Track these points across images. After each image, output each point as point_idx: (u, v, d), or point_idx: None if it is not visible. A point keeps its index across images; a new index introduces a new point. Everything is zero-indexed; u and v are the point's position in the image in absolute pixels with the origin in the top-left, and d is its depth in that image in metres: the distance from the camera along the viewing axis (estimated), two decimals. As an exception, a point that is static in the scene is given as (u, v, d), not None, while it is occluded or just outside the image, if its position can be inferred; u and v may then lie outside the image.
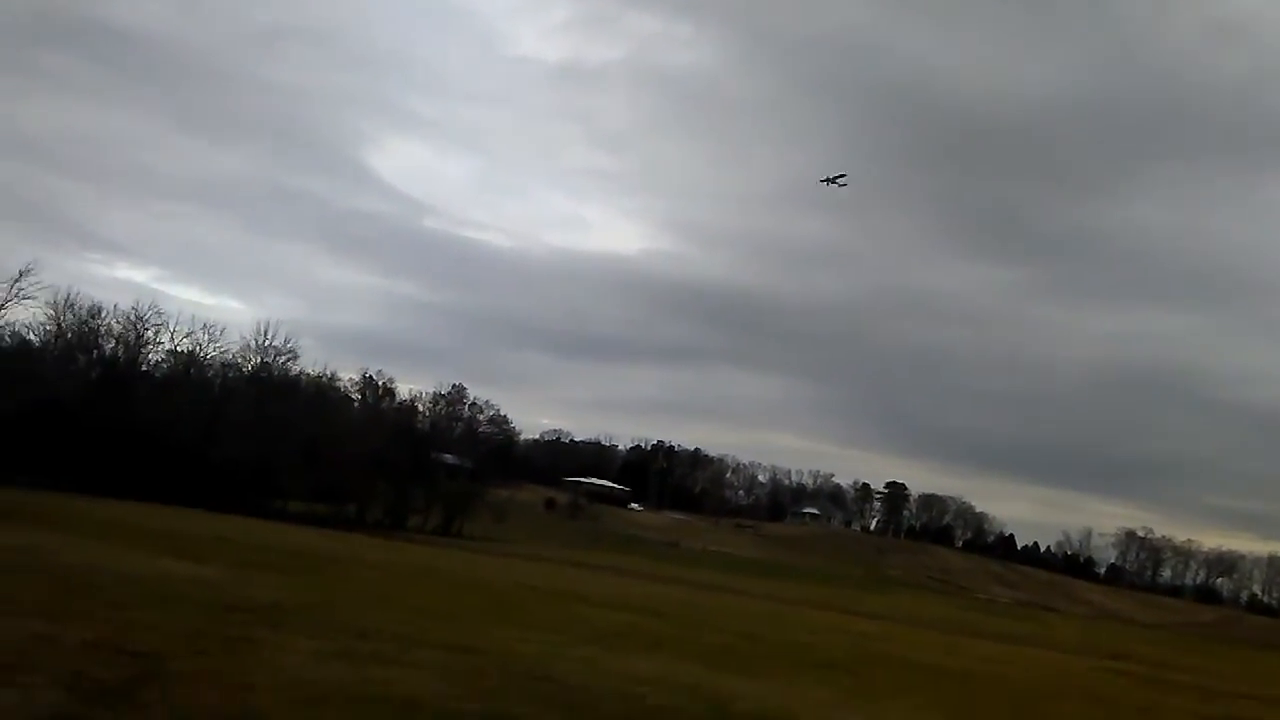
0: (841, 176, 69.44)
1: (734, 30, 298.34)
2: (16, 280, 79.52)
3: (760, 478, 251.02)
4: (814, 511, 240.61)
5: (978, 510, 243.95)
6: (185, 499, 75.97)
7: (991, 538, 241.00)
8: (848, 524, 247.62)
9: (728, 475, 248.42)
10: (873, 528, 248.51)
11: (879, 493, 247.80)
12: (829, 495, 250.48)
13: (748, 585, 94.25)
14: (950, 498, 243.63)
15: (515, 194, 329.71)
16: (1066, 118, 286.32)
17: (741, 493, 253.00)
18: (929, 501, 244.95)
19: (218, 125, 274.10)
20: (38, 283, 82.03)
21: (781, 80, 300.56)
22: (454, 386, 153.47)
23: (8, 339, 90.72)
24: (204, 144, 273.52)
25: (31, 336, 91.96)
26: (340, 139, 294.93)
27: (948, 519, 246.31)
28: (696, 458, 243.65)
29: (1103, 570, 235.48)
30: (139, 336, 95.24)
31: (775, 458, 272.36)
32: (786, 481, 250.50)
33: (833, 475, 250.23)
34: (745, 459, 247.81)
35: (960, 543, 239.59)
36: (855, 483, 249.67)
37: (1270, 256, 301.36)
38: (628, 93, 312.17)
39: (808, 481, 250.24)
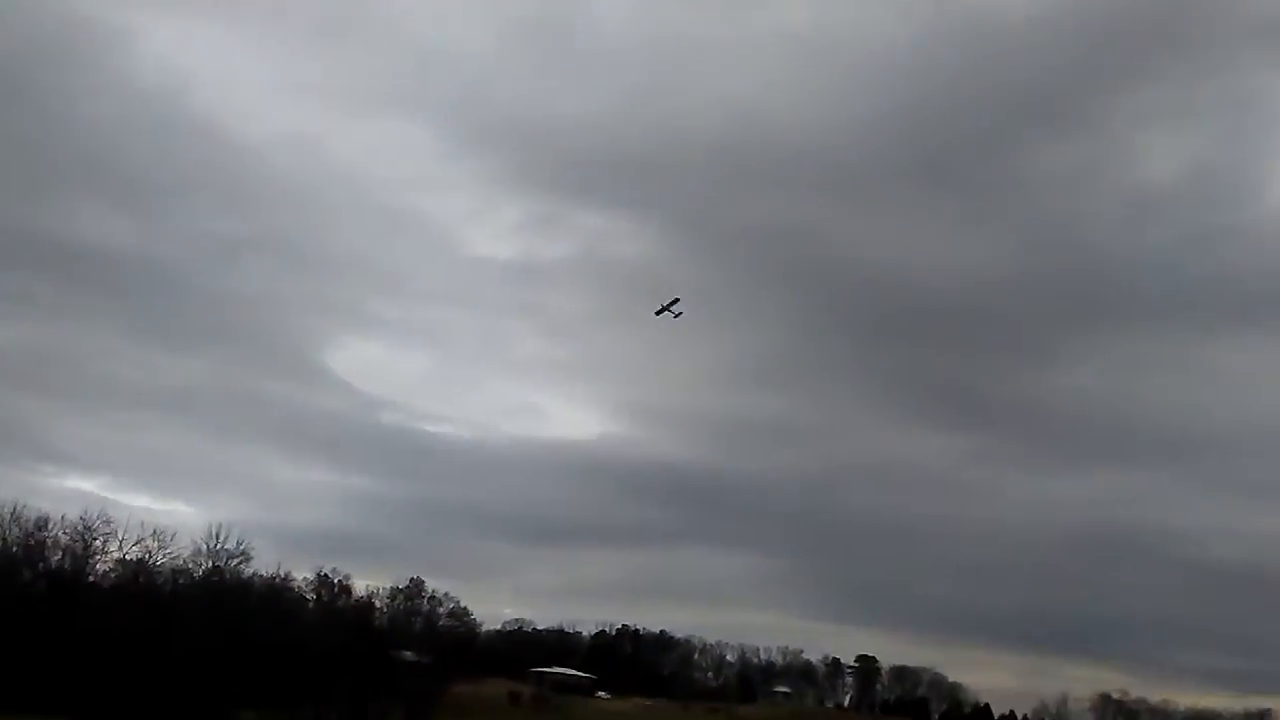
0: (675, 303, 70.79)
1: (674, 223, 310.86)
2: (-45, 497, 78.31)
3: (729, 657, 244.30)
4: (785, 690, 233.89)
5: (951, 680, 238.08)
6: (137, 713, 72.69)
7: (968, 709, 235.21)
8: (820, 702, 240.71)
9: (695, 656, 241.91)
10: (846, 704, 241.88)
11: (850, 667, 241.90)
12: (799, 672, 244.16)
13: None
14: (923, 669, 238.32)
15: (471, 386, 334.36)
16: (1007, 291, 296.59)
17: (710, 674, 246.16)
18: (901, 674, 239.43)
19: (176, 334, 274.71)
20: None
21: (722, 266, 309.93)
22: (412, 580, 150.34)
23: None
24: (162, 353, 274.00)
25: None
26: (299, 341, 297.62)
27: (921, 691, 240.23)
28: (663, 640, 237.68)
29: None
30: (86, 546, 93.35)
31: (743, 635, 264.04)
32: (755, 660, 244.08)
33: (802, 651, 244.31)
34: (712, 639, 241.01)
35: (936, 716, 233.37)
36: (825, 658, 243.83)
37: (1213, 415, 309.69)
38: (576, 285, 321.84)
39: (777, 659, 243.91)
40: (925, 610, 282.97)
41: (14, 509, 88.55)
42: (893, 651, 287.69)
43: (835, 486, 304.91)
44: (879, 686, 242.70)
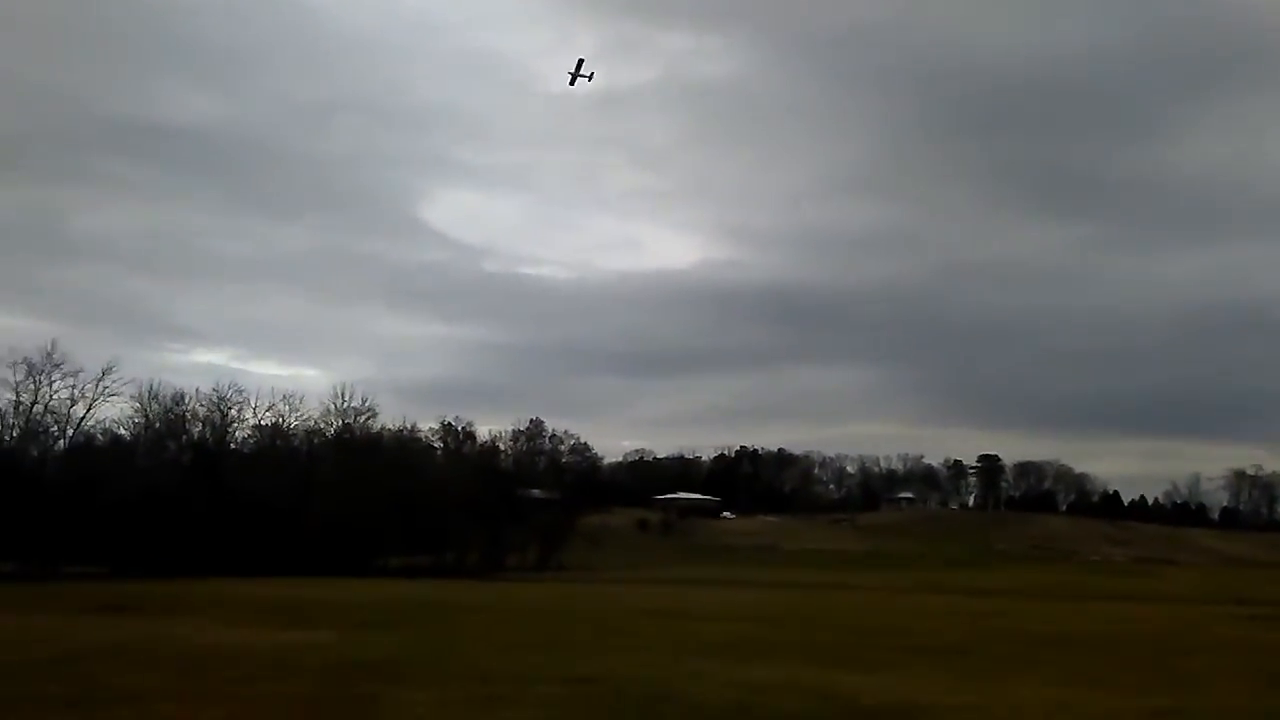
0: (581, 64, 66.31)
1: (762, 35, 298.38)
2: (100, 379, 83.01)
3: (849, 469, 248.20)
4: (909, 496, 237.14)
5: (1077, 472, 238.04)
6: (286, 568, 77.45)
7: (1096, 497, 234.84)
8: (944, 504, 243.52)
9: (815, 471, 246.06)
10: (970, 504, 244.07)
11: (972, 468, 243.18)
12: (922, 477, 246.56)
13: (851, 579, 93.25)
14: (1047, 462, 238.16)
15: (566, 226, 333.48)
16: (1111, 67, 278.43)
17: (832, 487, 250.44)
18: (1025, 470, 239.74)
19: (274, 203, 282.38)
20: (121, 378, 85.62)
21: (815, 76, 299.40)
22: (532, 421, 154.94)
23: (100, 437, 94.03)
24: (264, 222, 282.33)
25: (122, 431, 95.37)
26: (394, 198, 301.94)
27: (1047, 484, 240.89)
28: (781, 458, 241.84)
29: (1216, 515, 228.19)
30: (224, 416, 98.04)
31: (861, 447, 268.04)
32: (876, 469, 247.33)
33: (922, 457, 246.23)
34: (831, 452, 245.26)
35: (1064, 507, 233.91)
36: (947, 461, 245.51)
37: None
38: (664, 111, 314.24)
39: (898, 466, 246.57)
40: (1045, 404, 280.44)
41: (151, 387, 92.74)
42: (1015, 449, 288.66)
43: (945, 290, 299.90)
44: (1004, 484, 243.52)
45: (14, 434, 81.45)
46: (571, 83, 64.39)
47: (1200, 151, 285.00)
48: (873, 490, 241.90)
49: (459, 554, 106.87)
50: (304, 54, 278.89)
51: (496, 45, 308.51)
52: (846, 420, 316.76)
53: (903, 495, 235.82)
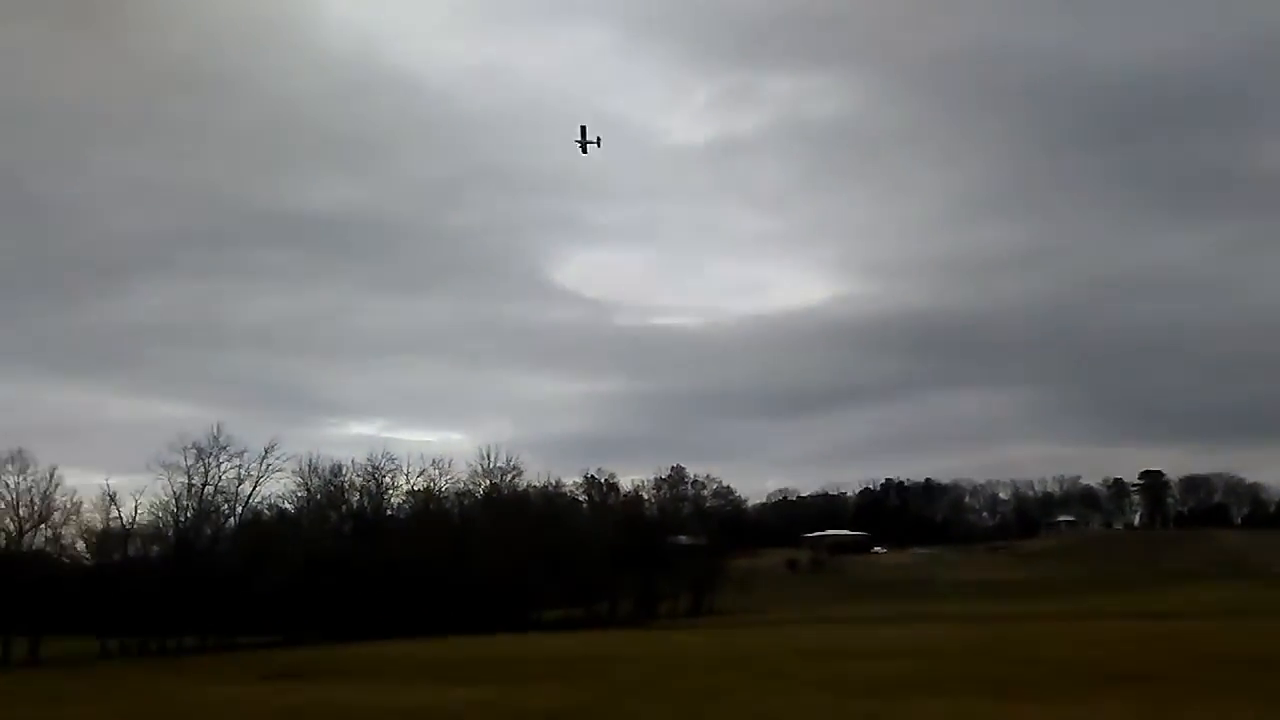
0: (584, 131, 66.45)
1: (866, 69, 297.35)
2: (263, 457, 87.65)
3: (1002, 495, 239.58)
4: (1069, 519, 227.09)
5: (1249, 482, 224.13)
6: (445, 626, 79.23)
7: (1273, 507, 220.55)
8: (1108, 525, 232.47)
9: (966, 500, 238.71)
10: (1136, 524, 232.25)
11: (1134, 485, 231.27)
12: (1080, 499, 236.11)
13: (1016, 608, 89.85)
14: (1215, 475, 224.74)
15: (692, 274, 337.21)
16: (1245, 63, 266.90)
17: (985, 515, 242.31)
18: (1192, 484, 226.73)
19: (411, 277, 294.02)
20: (282, 455, 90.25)
21: (924, 104, 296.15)
22: (673, 469, 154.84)
23: (267, 511, 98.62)
24: (403, 296, 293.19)
25: (286, 505, 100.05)
26: (524, 261, 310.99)
27: (1218, 498, 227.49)
28: (930, 488, 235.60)
29: None
30: (379, 485, 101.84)
31: (1013, 472, 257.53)
32: (1031, 494, 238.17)
33: (1079, 477, 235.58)
34: (981, 479, 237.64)
35: (1239, 520, 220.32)
36: (1106, 480, 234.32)
37: None
38: (779, 153, 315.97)
39: (1054, 489, 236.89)
40: (1207, 415, 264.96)
41: (311, 461, 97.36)
42: (1177, 463, 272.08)
43: (1086, 305, 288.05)
44: (1170, 500, 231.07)
45: (188, 515, 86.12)
46: (583, 150, 66.48)
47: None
48: (1029, 515, 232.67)
49: (611, 604, 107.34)
50: (430, 135, 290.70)
51: (613, 107, 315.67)
52: (995, 445, 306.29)
53: (1062, 519, 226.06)
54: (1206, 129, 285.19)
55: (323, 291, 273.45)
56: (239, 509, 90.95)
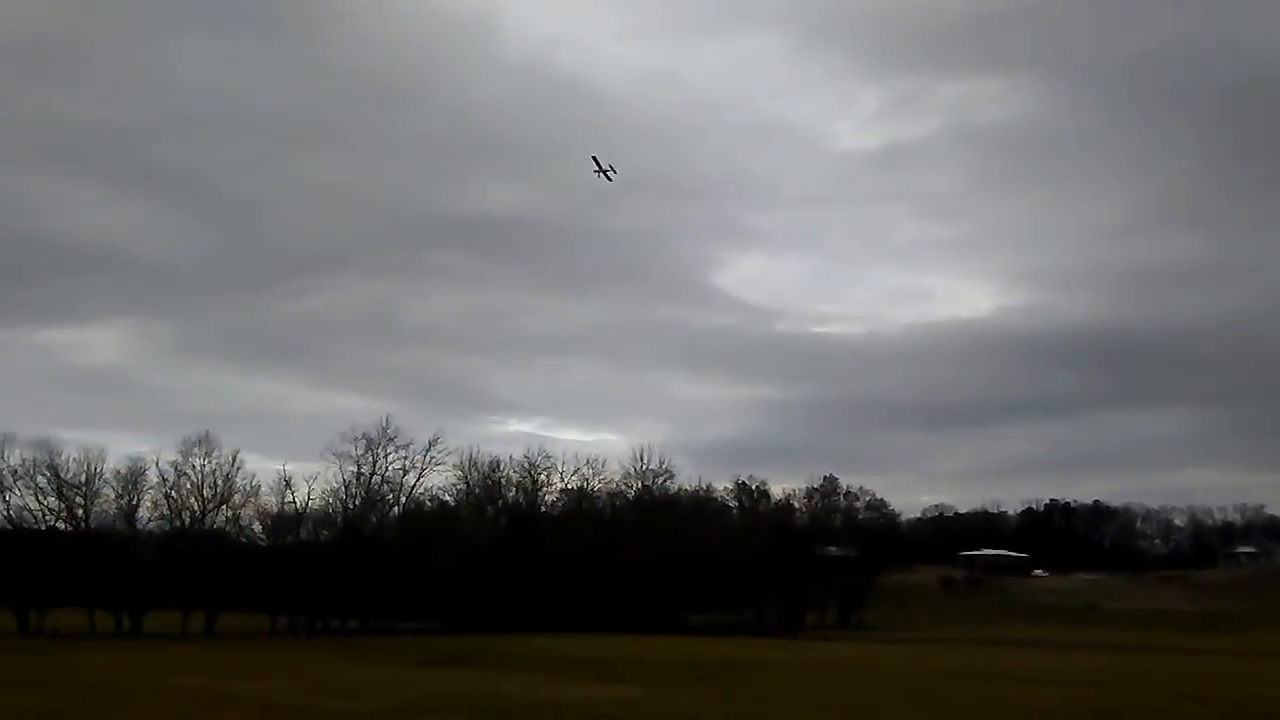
0: (595, 160, 65.01)
1: (1043, 72, 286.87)
2: (428, 450, 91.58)
3: (1177, 521, 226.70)
4: (1250, 550, 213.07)
5: None
6: (593, 624, 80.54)
7: None
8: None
9: (1138, 525, 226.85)
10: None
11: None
12: (1264, 529, 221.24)
13: (1188, 641, 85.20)
14: None
15: (855, 281, 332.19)
16: None
17: (1158, 542, 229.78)
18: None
19: (576, 281, 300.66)
20: (445, 449, 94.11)
21: (1104, 108, 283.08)
22: (825, 478, 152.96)
23: (428, 503, 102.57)
24: (566, 300, 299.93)
25: (446, 497, 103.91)
26: (685, 266, 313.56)
27: None
28: (1098, 511, 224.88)
29: None
30: (534, 482, 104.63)
31: (1189, 498, 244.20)
32: (1209, 521, 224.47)
33: (1264, 506, 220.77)
34: (1154, 504, 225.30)
35: None
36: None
37: None
38: (948, 159, 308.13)
39: (1234, 518, 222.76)
40: None
41: (471, 455, 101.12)
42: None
43: (1273, 324, 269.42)
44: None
45: (356, 502, 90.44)
46: (605, 178, 66.93)
47: None
48: (1206, 544, 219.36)
49: (758, 612, 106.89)
50: (598, 140, 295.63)
51: (779, 112, 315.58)
52: (1170, 469, 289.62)
53: (1242, 549, 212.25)
54: None
55: (489, 292, 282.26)
56: (403, 499, 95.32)
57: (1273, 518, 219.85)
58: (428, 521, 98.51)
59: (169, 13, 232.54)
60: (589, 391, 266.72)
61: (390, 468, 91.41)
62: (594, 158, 67.79)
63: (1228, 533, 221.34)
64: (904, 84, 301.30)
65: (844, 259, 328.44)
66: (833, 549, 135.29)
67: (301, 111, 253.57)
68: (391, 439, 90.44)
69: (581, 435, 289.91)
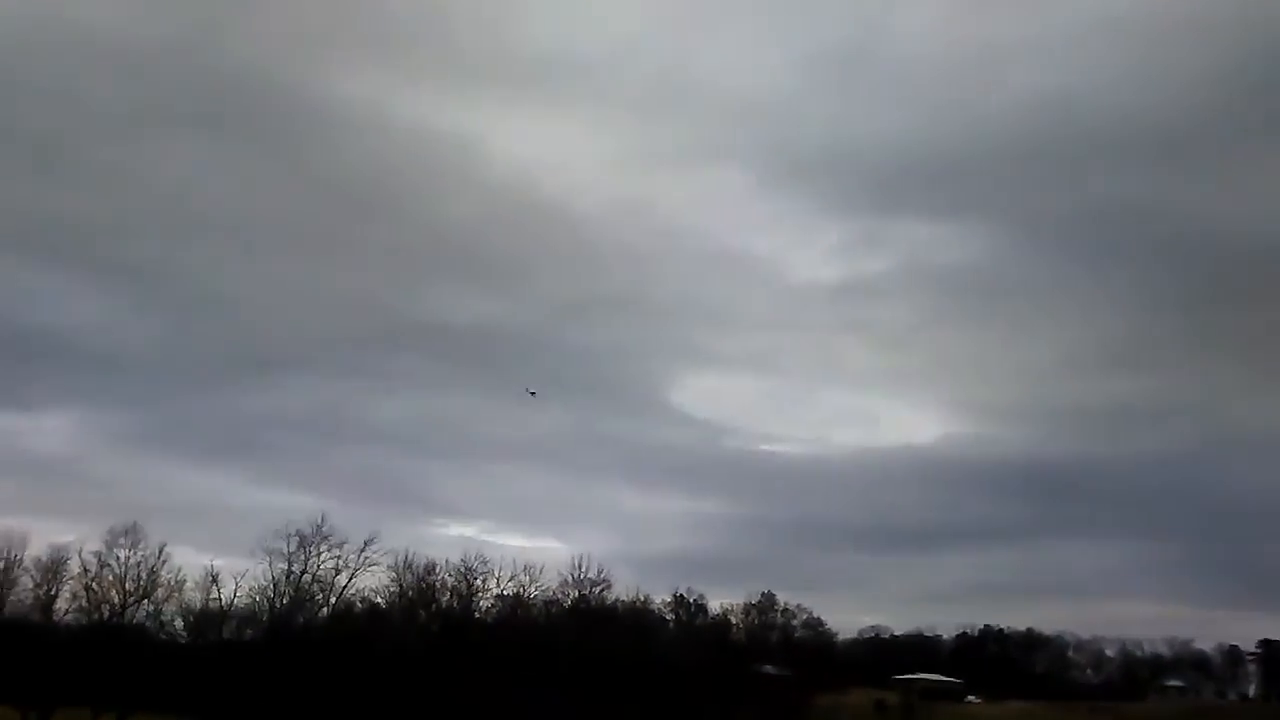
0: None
1: (998, 220, 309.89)
2: (362, 550, 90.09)
3: (1108, 652, 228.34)
4: (1179, 684, 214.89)
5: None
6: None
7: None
8: (1221, 694, 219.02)
9: (1069, 654, 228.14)
10: (1251, 694, 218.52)
11: (1251, 654, 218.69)
12: (1192, 664, 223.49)
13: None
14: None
15: (806, 404, 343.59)
16: None
17: (1089, 671, 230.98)
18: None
19: (537, 390, 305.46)
20: (380, 549, 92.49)
21: (1051, 256, 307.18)
22: (764, 594, 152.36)
23: (359, 604, 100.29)
24: (525, 409, 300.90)
25: (378, 599, 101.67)
26: (642, 383, 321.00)
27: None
28: (1031, 639, 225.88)
29: None
30: (469, 586, 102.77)
31: (1121, 629, 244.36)
32: (1138, 653, 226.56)
33: (1192, 640, 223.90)
34: (1086, 634, 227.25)
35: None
36: (1221, 646, 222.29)
37: None
38: (903, 296, 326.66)
39: (1164, 651, 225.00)
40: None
41: (406, 557, 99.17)
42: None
43: (1207, 464, 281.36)
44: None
45: (284, 601, 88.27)
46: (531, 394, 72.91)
47: None
48: (1136, 677, 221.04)
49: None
50: (570, 259, 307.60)
51: (743, 243, 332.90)
52: (1103, 600, 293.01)
53: (1172, 683, 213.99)
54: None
55: (448, 397, 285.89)
56: (333, 599, 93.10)
57: (1201, 652, 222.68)
58: (357, 623, 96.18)
59: (155, 110, 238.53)
60: (536, 498, 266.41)
61: (322, 566, 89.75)
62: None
63: (1157, 665, 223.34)
64: (864, 223, 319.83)
65: (796, 382, 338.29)
66: (768, 667, 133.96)
67: (279, 216, 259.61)
68: (326, 537, 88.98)
69: (524, 541, 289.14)
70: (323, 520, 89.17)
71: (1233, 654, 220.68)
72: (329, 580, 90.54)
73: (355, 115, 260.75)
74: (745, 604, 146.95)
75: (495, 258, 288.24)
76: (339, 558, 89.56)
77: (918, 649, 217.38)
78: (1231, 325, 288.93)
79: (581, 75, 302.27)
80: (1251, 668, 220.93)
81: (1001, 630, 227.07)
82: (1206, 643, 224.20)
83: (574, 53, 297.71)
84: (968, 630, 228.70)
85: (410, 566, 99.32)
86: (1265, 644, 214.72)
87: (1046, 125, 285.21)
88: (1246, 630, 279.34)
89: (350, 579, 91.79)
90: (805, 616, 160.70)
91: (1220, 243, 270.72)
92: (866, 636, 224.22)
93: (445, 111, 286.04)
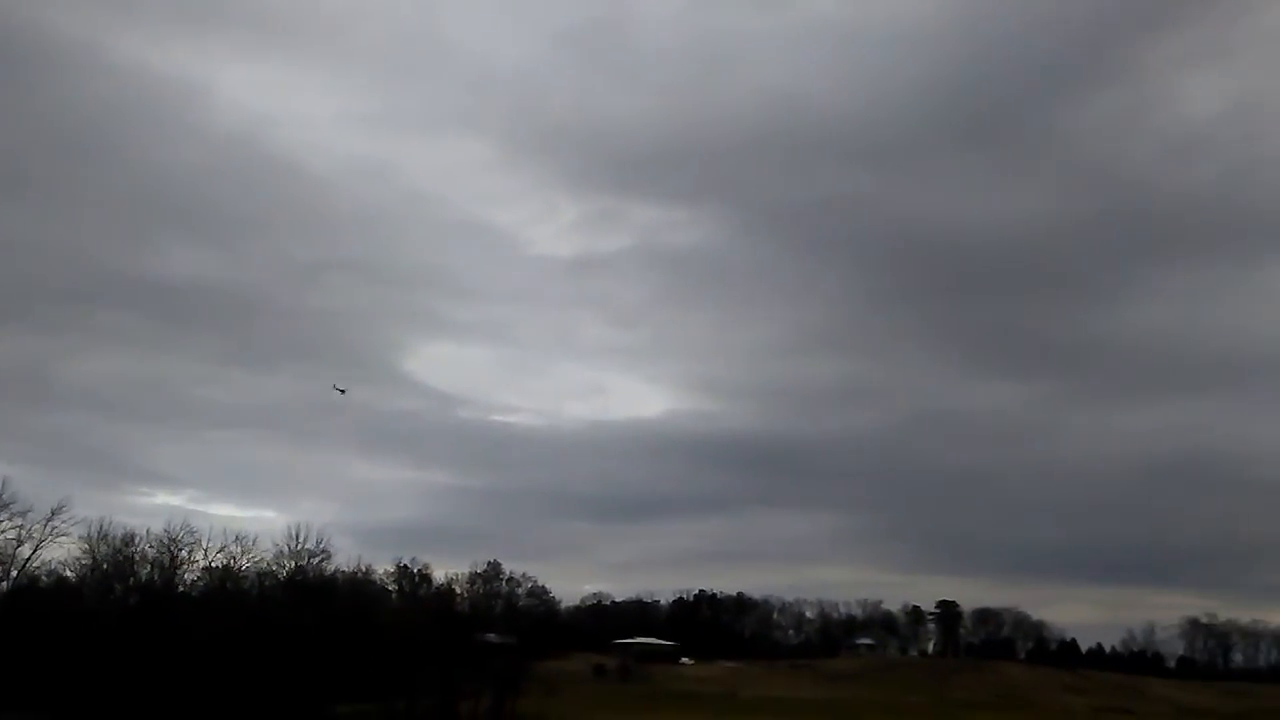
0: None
1: (727, 208, 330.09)
2: (49, 519, 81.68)
3: (808, 614, 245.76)
4: (869, 642, 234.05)
5: (1035, 619, 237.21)
6: (234, 714, 75.00)
7: (1054, 645, 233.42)
8: (904, 650, 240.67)
9: (774, 616, 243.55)
10: (930, 650, 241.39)
11: (931, 614, 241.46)
12: (881, 623, 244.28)
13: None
14: (1005, 609, 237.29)
15: (540, 376, 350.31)
16: (1060, 238, 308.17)
17: (791, 632, 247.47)
18: (984, 616, 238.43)
19: (262, 354, 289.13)
20: (71, 519, 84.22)
21: (777, 244, 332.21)
22: (489, 564, 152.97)
23: (44, 578, 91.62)
24: (248, 372, 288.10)
25: (68, 573, 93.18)
26: (376, 349, 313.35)
27: (1006, 631, 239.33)
28: (740, 603, 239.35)
29: (1173, 663, 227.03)
30: (173, 558, 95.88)
31: (821, 592, 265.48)
32: (835, 614, 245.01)
33: (881, 602, 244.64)
34: (790, 598, 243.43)
35: (1023, 654, 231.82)
36: (905, 607, 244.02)
37: (1272, 334, 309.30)
38: (636, 275, 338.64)
39: (857, 612, 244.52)
40: (1002, 553, 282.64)
41: (101, 527, 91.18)
42: (973, 596, 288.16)
43: (903, 442, 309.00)
44: (962, 630, 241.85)
45: (-46, 574, 79.42)
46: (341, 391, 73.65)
47: (1140, 316, 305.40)
48: (832, 636, 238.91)
49: (409, 701, 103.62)
50: (302, 219, 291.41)
51: (486, 214, 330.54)
52: (808, 566, 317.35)
53: (862, 641, 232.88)
54: (1026, 293, 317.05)
55: (162, 358, 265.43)
56: (14, 572, 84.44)
57: (889, 613, 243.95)
58: (42, 599, 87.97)
59: None
60: (255, 467, 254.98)
61: (3, 537, 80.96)
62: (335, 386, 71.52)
63: (850, 625, 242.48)
64: (602, 202, 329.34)
65: (531, 355, 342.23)
66: (491, 636, 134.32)
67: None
68: (6, 505, 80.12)
69: (237, 510, 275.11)
70: (3, 486, 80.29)
71: (915, 614, 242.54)
72: (10, 553, 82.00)
73: (69, 52, 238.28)
74: (470, 573, 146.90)
75: (220, 213, 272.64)
76: (22, 528, 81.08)
77: (637, 614, 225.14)
78: (934, 315, 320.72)
79: (324, 27, 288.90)
80: (932, 626, 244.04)
81: (714, 595, 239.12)
82: (894, 604, 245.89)
83: (316, 2, 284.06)
84: (684, 595, 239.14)
85: (106, 537, 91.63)
86: (943, 604, 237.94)
87: (779, 119, 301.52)
88: (928, 592, 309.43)
89: (35, 550, 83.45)
90: (530, 585, 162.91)
91: (926, 241, 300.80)
92: (589, 604, 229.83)
93: (170, 54, 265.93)
